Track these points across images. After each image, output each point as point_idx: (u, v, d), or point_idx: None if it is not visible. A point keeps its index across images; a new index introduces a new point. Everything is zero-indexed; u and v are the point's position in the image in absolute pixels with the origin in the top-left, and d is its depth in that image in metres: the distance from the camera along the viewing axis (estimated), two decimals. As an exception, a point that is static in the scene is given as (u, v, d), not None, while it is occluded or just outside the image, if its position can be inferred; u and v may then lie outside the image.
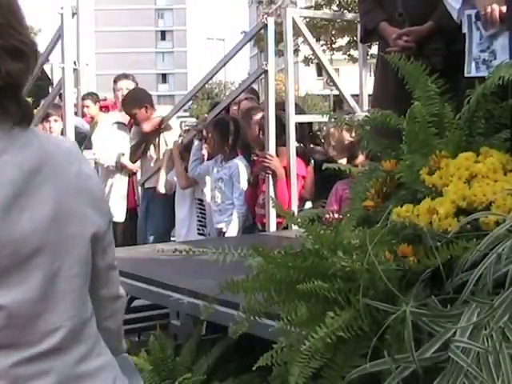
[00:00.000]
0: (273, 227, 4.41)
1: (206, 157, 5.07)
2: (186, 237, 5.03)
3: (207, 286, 2.31)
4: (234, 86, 36.13)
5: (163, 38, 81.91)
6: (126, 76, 6.22)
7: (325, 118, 2.52)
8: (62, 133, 5.85)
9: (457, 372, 1.48)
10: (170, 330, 3.11)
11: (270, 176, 4.46)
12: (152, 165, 5.54)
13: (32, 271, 1.14)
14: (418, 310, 1.58)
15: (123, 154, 5.68)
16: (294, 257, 1.81)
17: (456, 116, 2.12)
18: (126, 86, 6.01)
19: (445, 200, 1.84)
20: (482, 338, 1.49)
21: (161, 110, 5.68)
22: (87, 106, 6.60)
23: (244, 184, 4.68)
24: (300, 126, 4.74)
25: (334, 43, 24.56)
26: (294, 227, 3.52)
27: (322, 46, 22.85)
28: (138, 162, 5.69)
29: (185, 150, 5.18)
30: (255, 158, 4.70)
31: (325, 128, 5.54)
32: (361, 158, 3.93)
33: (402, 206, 1.90)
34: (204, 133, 5.05)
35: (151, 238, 5.32)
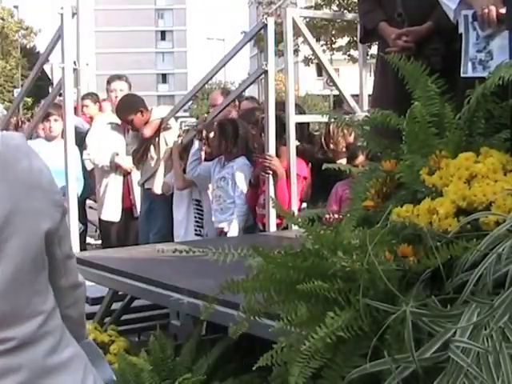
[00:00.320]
0: (273, 227, 4.41)
1: (203, 157, 5.07)
2: (184, 237, 5.03)
3: (207, 286, 2.31)
4: (234, 86, 36.13)
5: (163, 38, 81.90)
6: (119, 77, 6.21)
7: (325, 118, 2.53)
8: (63, 132, 5.87)
9: (457, 372, 1.48)
10: (170, 330, 3.11)
11: (271, 176, 4.46)
12: (153, 165, 5.54)
13: None
14: (418, 310, 1.58)
15: (117, 154, 5.68)
16: (293, 257, 1.81)
17: (456, 116, 2.12)
18: (119, 87, 6.01)
19: (445, 200, 1.84)
20: (482, 338, 1.49)
21: (160, 110, 5.68)
22: (86, 106, 6.60)
23: (246, 183, 4.69)
24: (299, 126, 4.74)
25: (334, 43, 24.58)
26: (294, 227, 3.53)
27: (321, 46, 22.87)
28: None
29: (184, 150, 5.18)
30: (256, 158, 4.70)
31: (321, 128, 5.55)
32: (361, 158, 3.94)
33: (401, 206, 1.90)
34: (204, 133, 5.05)
35: (153, 238, 5.32)
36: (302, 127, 4.83)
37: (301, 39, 14.16)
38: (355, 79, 5.65)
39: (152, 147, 5.54)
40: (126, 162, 5.69)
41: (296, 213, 2.61)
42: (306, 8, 21.50)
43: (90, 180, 6.07)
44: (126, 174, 5.77)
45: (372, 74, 4.60)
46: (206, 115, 5.44)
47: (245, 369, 2.45)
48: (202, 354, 2.82)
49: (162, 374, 2.76)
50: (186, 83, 66.84)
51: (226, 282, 1.87)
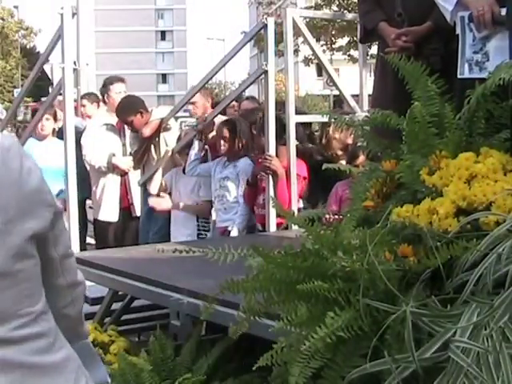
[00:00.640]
0: (273, 227, 4.41)
1: (209, 157, 5.08)
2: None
3: (207, 286, 2.31)
4: (234, 86, 36.11)
5: (163, 38, 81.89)
6: (121, 79, 6.20)
7: (325, 118, 2.53)
8: (59, 132, 5.86)
9: (457, 372, 1.48)
10: (170, 330, 3.11)
11: (271, 176, 4.45)
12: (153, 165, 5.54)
13: None
14: (418, 310, 1.58)
15: (114, 155, 5.68)
16: (294, 257, 1.81)
17: (456, 116, 2.12)
18: (122, 89, 5.99)
19: (445, 200, 1.84)
20: (482, 338, 1.49)
21: (160, 111, 5.68)
22: (83, 106, 6.60)
23: None
24: (300, 127, 4.74)
25: (334, 43, 24.58)
26: (294, 227, 3.53)
27: (321, 46, 22.87)
28: (130, 162, 5.68)
29: (183, 150, 5.18)
30: (255, 158, 4.70)
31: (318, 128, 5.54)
32: (361, 159, 3.93)
33: (402, 206, 1.90)
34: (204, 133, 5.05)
35: (153, 238, 5.32)
36: (303, 127, 4.84)
37: (301, 39, 14.16)
38: (355, 79, 5.65)
39: (152, 147, 5.54)
40: (123, 162, 5.69)
41: (296, 213, 2.61)
42: (306, 8, 21.50)
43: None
44: (124, 174, 5.77)
45: (372, 74, 4.60)
46: (206, 115, 5.43)
47: (245, 369, 2.45)
48: (201, 353, 2.82)
49: (162, 374, 2.76)
50: (186, 83, 66.79)
51: (225, 282, 1.87)
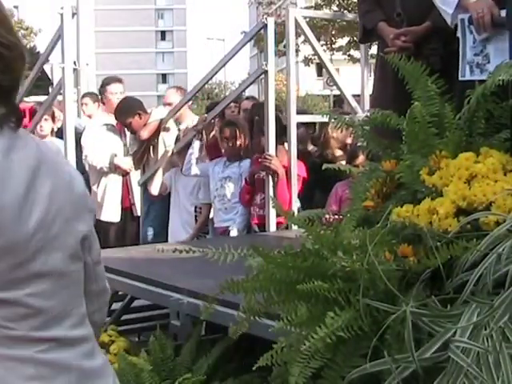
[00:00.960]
0: (273, 227, 4.41)
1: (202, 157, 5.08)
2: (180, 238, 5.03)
3: (207, 286, 2.31)
4: (234, 86, 36.13)
5: (163, 38, 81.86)
6: (118, 80, 6.20)
7: (325, 118, 2.53)
8: (58, 132, 5.86)
9: (457, 372, 1.48)
10: (170, 330, 3.11)
11: (270, 176, 4.45)
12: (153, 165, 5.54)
13: (39, 267, 1.16)
14: (418, 310, 1.58)
15: (116, 155, 5.68)
16: (294, 257, 1.81)
17: (455, 116, 2.12)
18: (119, 90, 5.99)
19: (445, 200, 1.84)
20: (482, 338, 1.49)
21: (159, 111, 5.68)
22: (85, 104, 6.59)
23: None
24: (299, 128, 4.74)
25: (334, 43, 24.57)
26: (294, 227, 3.53)
27: (322, 46, 22.83)
28: (131, 162, 5.69)
29: (183, 150, 5.18)
30: (255, 158, 4.70)
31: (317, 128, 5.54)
32: (361, 158, 3.93)
33: (402, 206, 1.90)
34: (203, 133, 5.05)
35: (153, 239, 5.32)
36: (306, 128, 4.85)
37: (300, 39, 14.15)
38: (355, 79, 5.65)
39: (151, 148, 5.55)
40: (125, 162, 5.69)
41: (296, 213, 2.61)
42: (306, 8, 21.49)
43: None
44: (125, 175, 5.77)
45: (372, 74, 4.61)
46: (205, 115, 5.43)
47: (245, 369, 2.45)
48: (201, 354, 2.82)
49: (162, 374, 2.76)
50: (186, 83, 66.70)
51: (225, 282, 1.87)
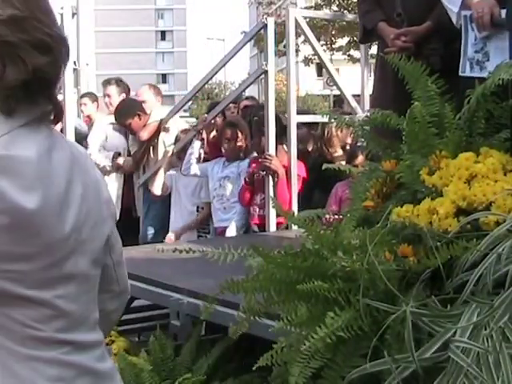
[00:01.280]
0: (273, 227, 4.41)
1: (202, 157, 5.07)
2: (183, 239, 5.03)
3: (207, 286, 2.31)
4: (234, 86, 36.12)
5: (163, 38, 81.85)
6: (109, 82, 6.19)
7: (325, 118, 2.53)
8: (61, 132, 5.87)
9: (457, 372, 1.48)
10: (170, 330, 3.11)
11: (270, 176, 4.45)
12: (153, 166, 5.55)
13: (69, 269, 1.17)
14: (418, 310, 1.58)
15: (119, 154, 5.69)
16: (293, 257, 1.81)
17: (455, 116, 2.12)
18: (109, 92, 5.99)
19: (445, 200, 1.84)
20: (482, 338, 1.49)
21: (159, 112, 5.68)
22: (85, 104, 6.60)
23: None
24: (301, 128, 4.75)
25: (334, 43, 24.55)
26: (294, 227, 3.52)
27: (321, 46, 22.82)
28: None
29: (182, 150, 5.18)
30: (253, 158, 4.70)
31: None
32: (360, 159, 3.93)
33: (402, 206, 1.90)
34: (204, 133, 5.05)
35: (152, 239, 5.32)
36: (308, 128, 4.85)
37: (300, 39, 14.16)
38: (355, 79, 5.65)
39: (151, 149, 5.55)
40: (127, 162, 5.70)
41: (296, 213, 2.61)
42: (306, 8, 21.47)
43: None
44: (127, 174, 5.78)
45: (372, 74, 4.61)
46: (205, 115, 5.43)
47: (245, 369, 2.45)
48: (201, 353, 2.82)
49: (162, 374, 2.76)
50: (186, 83, 66.76)
51: (226, 282, 1.87)
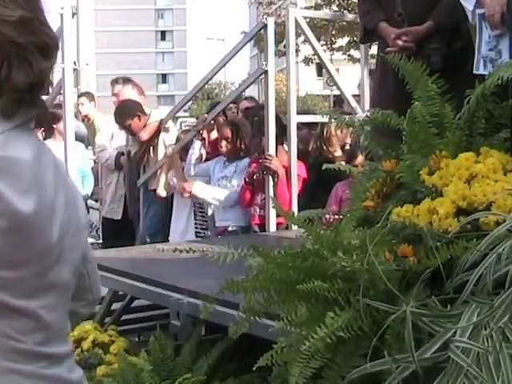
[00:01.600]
0: (273, 227, 4.41)
1: (204, 157, 5.08)
2: (182, 239, 5.04)
3: (207, 286, 2.31)
4: (234, 86, 36.11)
5: (163, 38, 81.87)
6: (116, 81, 6.19)
7: (325, 119, 2.53)
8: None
9: (457, 372, 1.48)
10: (170, 330, 3.11)
11: (270, 176, 4.45)
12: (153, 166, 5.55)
13: (53, 278, 1.14)
14: (418, 310, 1.58)
15: (123, 154, 5.70)
16: (294, 257, 1.81)
17: (456, 116, 2.12)
18: (118, 90, 5.99)
19: (445, 200, 1.84)
20: (482, 338, 1.49)
21: (159, 112, 5.69)
22: (82, 104, 6.60)
23: None
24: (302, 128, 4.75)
25: (334, 43, 24.54)
26: (294, 227, 3.53)
27: (321, 46, 22.80)
28: None
29: (183, 150, 5.19)
30: (254, 157, 4.70)
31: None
32: (360, 159, 3.94)
33: (402, 206, 1.90)
34: (204, 133, 5.05)
35: (151, 239, 5.33)
36: (308, 128, 4.85)
37: (301, 39, 14.15)
38: (355, 79, 5.65)
39: (151, 149, 5.55)
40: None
41: (296, 213, 2.61)
42: (306, 8, 21.46)
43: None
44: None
45: (372, 73, 4.60)
46: (205, 115, 5.43)
47: (245, 369, 2.45)
48: (202, 354, 2.82)
49: (162, 374, 2.76)
50: (186, 83, 66.77)
51: (226, 281, 1.87)
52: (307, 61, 25.13)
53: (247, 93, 7.91)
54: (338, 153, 4.68)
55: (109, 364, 3.03)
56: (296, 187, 4.49)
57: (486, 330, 1.50)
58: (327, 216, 2.38)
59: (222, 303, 2.20)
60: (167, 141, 5.46)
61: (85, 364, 3.09)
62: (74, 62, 6.22)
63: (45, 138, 5.42)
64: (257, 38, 7.50)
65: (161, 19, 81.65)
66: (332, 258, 1.75)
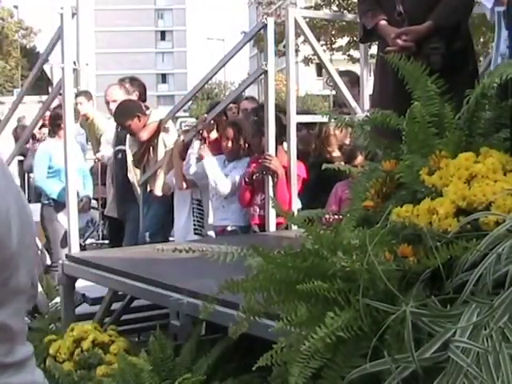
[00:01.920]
0: (273, 227, 4.41)
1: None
2: (184, 237, 5.04)
3: (207, 286, 2.31)
4: (233, 86, 36.11)
5: (163, 38, 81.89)
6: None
7: (325, 119, 2.53)
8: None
9: (457, 372, 1.48)
10: (170, 330, 3.11)
11: (270, 176, 4.45)
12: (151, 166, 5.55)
13: (15, 286, 1.10)
14: (417, 310, 1.58)
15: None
16: (293, 257, 1.81)
17: (455, 116, 2.12)
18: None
19: (445, 200, 1.84)
20: (482, 338, 1.49)
21: (159, 113, 5.69)
22: (80, 103, 6.61)
23: None
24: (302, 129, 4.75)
25: (334, 43, 24.53)
26: (294, 227, 3.53)
27: (321, 46, 22.79)
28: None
29: (184, 150, 5.18)
30: (254, 157, 4.70)
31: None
32: (359, 159, 3.93)
33: (401, 206, 1.90)
34: (204, 133, 5.05)
35: (151, 238, 5.33)
36: (308, 128, 4.85)
37: (300, 39, 14.15)
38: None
39: (151, 149, 5.56)
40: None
41: (296, 213, 2.60)
42: (306, 8, 21.46)
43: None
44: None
45: (372, 73, 4.60)
46: (205, 115, 5.43)
47: (245, 369, 2.45)
48: (201, 354, 2.82)
49: (162, 374, 2.76)
50: (186, 83, 66.78)
51: (225, 281, 1.87)
52: (307, 61, 25.11)
53: (247, 93, 7.91)
54: (336, 153, 4.67)
55: (109, 364, 3.03)
56: (296, 187, 4.48)
57: (485, 330, 1.50)
58: (327, 216, 2.38)
59: (222, 303, 2.20)
60: (167, 141, 5.46)
61: (85, 364, 3.09)
62: (74, 62, 6.22)
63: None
64: (257, 37, 7.51)
65: (161, 19, 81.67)
66: (332, 258, 1.75)
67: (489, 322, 1.51)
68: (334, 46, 24.57)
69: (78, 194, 4.46)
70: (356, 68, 5.84)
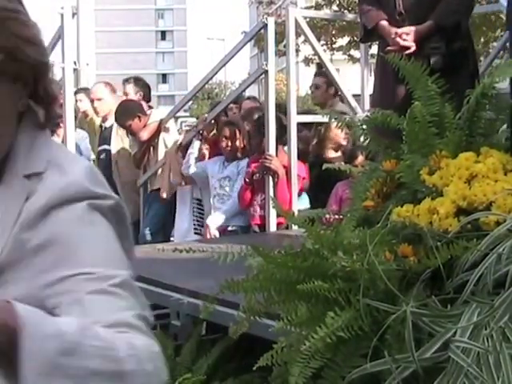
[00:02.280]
0: (273, 227, 4.41)
1: (207, 156, 5.08)
2: (184, 236, 5.05)
3: (207, 286, 2.31)
4: (234, 86, 36.08)
5: (163, 37, 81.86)
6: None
7: (325, 119, 2.53)
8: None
9: (457, 372, 1.48)
10: (170, 330, 3.11)
11: (270, 176, 4.45)
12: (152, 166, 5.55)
13: None
14: (418, 310, 1.58)
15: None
16: (293, 257, 1.81)
17: (456, 116, 2.12)
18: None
19: (445, 200, 1.84)
20: (482, 338, 1.49)
21: (159, 113, 5.69)
22: (80, 100, 6.61)
23: None
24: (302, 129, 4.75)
25: (334, 43, 24.52)
26: (294, 227, 3.53)
27: (322, 46, 22.77)
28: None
29: (184, 150, 5.19)
30: (254, 157, 4.70)
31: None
32: (360, 159, 3.93)
33: (402, 206, 1.90)
34: (204, 133, 5.06)
35: (152, 238, 5.33)
36: (308, 128, 4.85)
37: (301, 39, 14.14)
38: (355, 79, 5.65)
39: (152, 149, 5.56)
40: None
41: (296, 213, 2.60)
42: (306, 8, 21.45)
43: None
44: None
45: (372, 73, 4.60)
46: (205, 115, 5.43)
47: (245, 369, 2.45)
48: (202, 353, 2.82)
49: (162, 374, 2.76)
50: (186, 83, 66.77)
51: (226, 281, 1.87)
52: (307, 61, 25.08)
53: (247, 93, 7.90)
54: (333, 154, 4.68)
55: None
56: (296, 187, 4.48)
57: (486, 329, 1.50)
58: (327, 216, 2.38)
59: (222, 303, 2.20)
60: (167, 141, 5.46)
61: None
62: (74, 62, 6.22)
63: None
64: (257, 37, 7.51)
65: (161, 19, 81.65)
66: (332, 258, 1.75)
67: (489, 321, 1.51)
68: (334, 46, 24.53)
69: None
70: (356, 68, 5.84)
